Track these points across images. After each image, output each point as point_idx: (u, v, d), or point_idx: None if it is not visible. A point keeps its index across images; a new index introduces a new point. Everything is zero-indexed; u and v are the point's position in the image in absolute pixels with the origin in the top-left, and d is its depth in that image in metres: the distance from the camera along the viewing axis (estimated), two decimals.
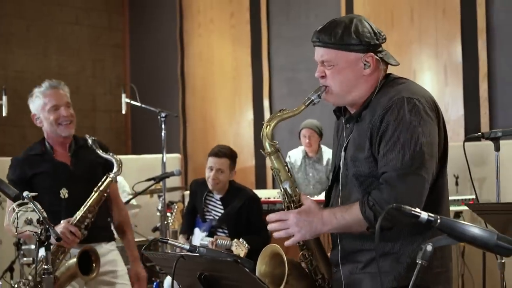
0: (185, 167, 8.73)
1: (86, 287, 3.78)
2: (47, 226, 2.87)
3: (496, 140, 3.72)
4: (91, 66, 9.29)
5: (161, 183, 5.52)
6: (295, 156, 6.64)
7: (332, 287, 2.53)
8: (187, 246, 2.38)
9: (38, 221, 2.90)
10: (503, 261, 3.82)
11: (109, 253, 3.88)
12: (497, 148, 3.75)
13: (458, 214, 5.28)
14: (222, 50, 8.43)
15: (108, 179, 3.72)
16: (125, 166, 3.88)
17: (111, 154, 3.79)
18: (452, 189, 5.52)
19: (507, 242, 1.82)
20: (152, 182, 5.45)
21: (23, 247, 5.26)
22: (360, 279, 2.43)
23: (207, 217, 5.11)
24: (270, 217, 2.47)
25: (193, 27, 8.77)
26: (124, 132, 9.58)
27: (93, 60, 9.32)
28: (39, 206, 2.93)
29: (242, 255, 4.57)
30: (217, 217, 5.06)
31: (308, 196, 2.56)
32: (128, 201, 5.69)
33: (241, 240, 4.76)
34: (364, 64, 2.44)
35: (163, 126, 5.57)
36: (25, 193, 2.96)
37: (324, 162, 6.51)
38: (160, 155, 5.60)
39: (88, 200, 3.67)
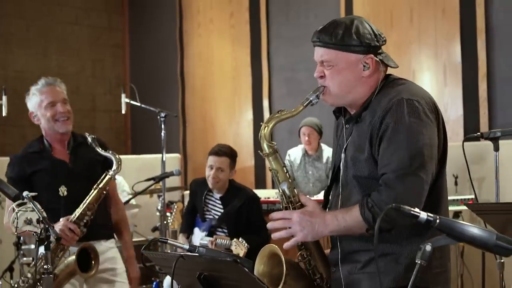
0: (185, 167, 8.74)
1: (85, 285, 3.78)
2: (46, 226, 2.87)
3: (495, 140, 3.72)
4: (91, 66, 9.30)
5: (160, 183, 5.53)
6: (294, 154, 6.65)
7: (331, 287, 2.53)
8: (186, 246, 2.38)
9: (38, 221, 2.90)
10: (502, 261, 3.82)
11: (108, 251, 3.87)
12: (496, 148, 3.75)
13: (457, 214, 5.29)
14: (222, 50, 8.43)
15: (108, 177, 3.71)
16: (124, 166, 3.88)
17: (110, 152, 3.78)
18: (451, 189, 5.53)
19: (506, 242, 1.82)
20: (151, 182, 5.45)
21: (23, 247, 5.27)
22: (359, 279, 2.44)
23: (206, 216, 5.11)
24: (273, 215, 2.47)
25: (193, 27, 8.78)
26: (123, 132, 9.58)
27: (93, 60, 9.32)
28: (38, 206, 2.93)
29: (241, 254, 4.57)
30: (216, 217, 5.06)
31: (308, 196, 2.56)
32: (127, 201, 5.70)
33: (240, 239, 4.76)
34: (364, 66, 2.44)
35: (162, 126, 5.57)
36: (24, 193, 2.96)
37: (324, 160, 6.51)
38: (160, 155, 5.61)
39: (87, 197, 3.66)
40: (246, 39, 8.09)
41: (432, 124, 2.36)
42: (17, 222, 2.92)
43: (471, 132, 5.29)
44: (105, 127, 9.26)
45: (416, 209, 1.87)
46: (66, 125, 3.81)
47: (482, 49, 6.16)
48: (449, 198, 2.66)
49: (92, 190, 3.68)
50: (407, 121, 2.31)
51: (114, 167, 3.72)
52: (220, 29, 8.45)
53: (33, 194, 2.99)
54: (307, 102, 2.48)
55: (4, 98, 5.79)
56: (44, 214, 2.91)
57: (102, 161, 3.83)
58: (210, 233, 5.03)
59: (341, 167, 2.52)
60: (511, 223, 2.90)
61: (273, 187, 7.46)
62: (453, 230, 1.85)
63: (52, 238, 2.89)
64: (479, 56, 6.17)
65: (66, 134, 3.86)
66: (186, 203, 5.88)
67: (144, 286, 6.14)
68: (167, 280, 5.17)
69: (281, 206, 2.54)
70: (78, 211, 3.63)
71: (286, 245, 2.44)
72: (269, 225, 2.48)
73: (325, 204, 2.64)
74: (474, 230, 1.83)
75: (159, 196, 5.83)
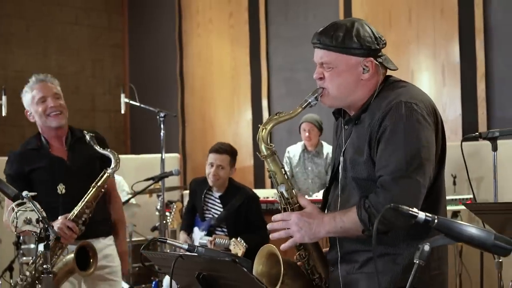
0: (184, 167, 8.74)
1: (84, 283, 3.78)
2: (46, 226, 2.88)
3: (493, 140, 3.73)
4: (90, 66, 9.30)
5: (160, 183, 5.53)
6: (294, 151, 6.66)
7: (329, 287, 2.54)
8: (185, 246, 2.39)
9: (37, 220, 2.91)
10: (500, 260, 3.82)
11: (106, 248, 3.86)
12: (495, 148, 3.75)
13: (455, 214, 5.29)
14: (221, 50, 8.44)
15: (106, 175, 3.70)
16: (124, 166, 3.87)
17: (108, 150, 3.76)
18: (449, 188, 5.53)
19: (504, 242, 1.82)
20: (151, 181, 5.46)
21: (22, 246, 5.27)
22: (357, 279, 2.44)
23: (206, 215, 5.12)
24: (275, 217, 2.49)
25: (192, 27, 8.78)
26: (123, 132, 9.59)
27: (93, 60, 9.33)
28: (38, 205, 2.93)
29: (240, 254, 4.57)
30: (216, 216, 5.07)
31: (306, 196, 2.57)
32: (127, 201, 5.70)
33: (239, 239, 4.77)
34: (363, 69, 2.44)
35: (162, 126, 5.58)
36: (24, 193, 2.96)
37: (324, 156, 6.51)
38: (159, 155, 5.62)
39: (85, 195, 3.66)
40: (245, 39, 8.10)
41: (430, 127, 2.36)
42: (17, 221, 2.92)
43: (469, 132, 5.30)
44: (105, 127, 9.26)
45: (414, 209, 1.87)
46: (58, 119, 3.76)
47: (480, 49, 6.16)
48: (448, 198, 2.68)
49: (91, 189, 3.68)
50: (405, 124, 2.31)
51: (113, 165, 3.71)
52: (219, 29, 8.45)
53: (33, 194, 3.00)
54: (305, 104, 2.48)
55: (4, 98, 5.80)
56: (44, 214, 2.92)
57: (101, 157, 3.80)
58: (210, 233, 5.03)
59: (340, 169, 2.52)
60: (509, 223, 2.91)
61: (272, 187, 7.46)
62: (451, 230, 1.85)
63: (51, 238, 2.90)
64: (478, 56, 6.18)
65: (61, 129, 3.82)
66: (185, 202, 5.89)
67: (143, 285, 6.16)
68: (166, 279, 5.18)
69: (280, 208, 2.55)
70: (76, 209, 3.63)
71: (283, 246, 2.44)
72: (269, 226, 2.49)
73: (323, 205, 2.64)
74: (472, 230, 1.83)
75: (158, 196, 5.84)
